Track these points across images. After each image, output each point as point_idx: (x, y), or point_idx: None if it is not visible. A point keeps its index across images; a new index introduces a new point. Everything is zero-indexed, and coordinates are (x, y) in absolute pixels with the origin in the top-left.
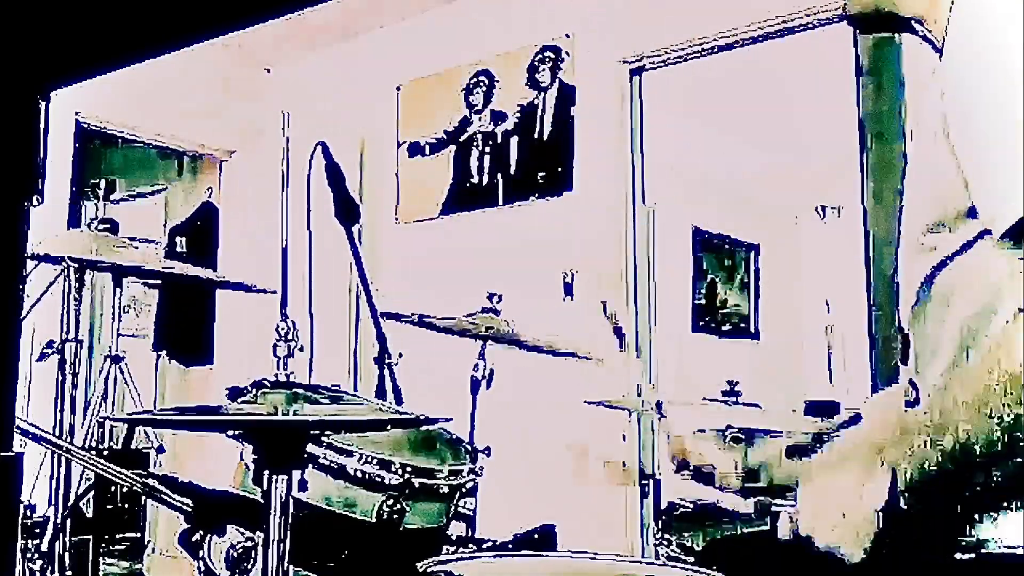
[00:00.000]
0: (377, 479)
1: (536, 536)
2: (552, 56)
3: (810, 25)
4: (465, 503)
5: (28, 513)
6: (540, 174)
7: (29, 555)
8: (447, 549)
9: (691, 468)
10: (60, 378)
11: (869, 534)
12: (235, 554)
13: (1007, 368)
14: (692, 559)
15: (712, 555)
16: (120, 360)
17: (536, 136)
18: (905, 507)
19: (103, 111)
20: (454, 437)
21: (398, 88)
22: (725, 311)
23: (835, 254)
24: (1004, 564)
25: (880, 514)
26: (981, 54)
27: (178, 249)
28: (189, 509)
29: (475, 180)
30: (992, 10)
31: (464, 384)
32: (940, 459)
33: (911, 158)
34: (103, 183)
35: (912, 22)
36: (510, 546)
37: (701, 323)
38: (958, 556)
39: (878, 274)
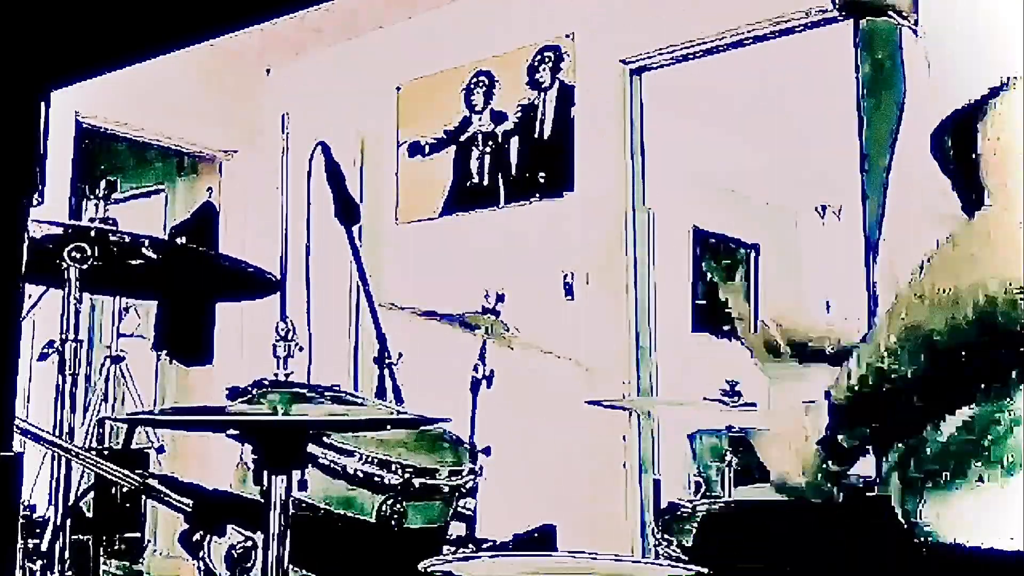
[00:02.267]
0: (377, 479)
1: (536, 536)
2: (552, 56)
3: (810, 25)
4: (465, 503)
5: (28, 513)
6: (540, 174)
7: (29, 555)
8: (447, 549)
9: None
10: (60, 378)
11: (812, 465)
12: (235, 554)
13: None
14: (691, 559)
15: (707, 531)
16: (120, 360)
17: (536, 136)
18: (840, 439)
19: (103, 111)
20: (454, 437)
21: (398, 88)
22: (725, 311)
23: (835, 254)
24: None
25: (819, 446)
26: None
27: None
28: (189, 509)
29: (475, 180)
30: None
31: (464, 384)
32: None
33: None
34: (103, 183)
35: (900, 9)
36: (510, 546)
37: (701, 323)
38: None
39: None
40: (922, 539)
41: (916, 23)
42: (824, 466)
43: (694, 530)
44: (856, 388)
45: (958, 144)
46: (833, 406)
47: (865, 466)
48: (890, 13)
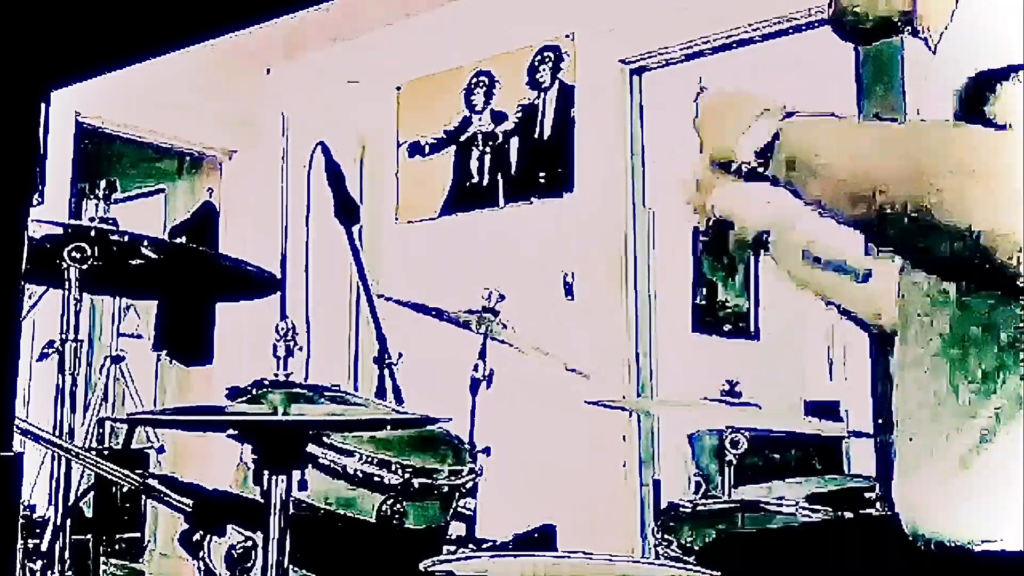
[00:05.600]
0: (377, 479)
1: (536, 536)
2: (552, 56)
3: (810, 25)
4: (465, 503)
5: (28, 513)
6: (540, 174)
7: (29, 555)
8: (447, 549)
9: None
10: (60, 378)
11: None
12: (235, 554)
13: None
14: (692, 559)
15: (713, 554)
16: (120, 360)
17: (536, 136)
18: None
19: (103, 111)
20: (454, 437)
21: (398, 88)
22: (725, 311)
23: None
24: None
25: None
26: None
27: None
28: (189, 509)
29: (475, 180)
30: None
31: (464, 384)
32: None
33: None
34: (103, 183)
35: (902, 22)
36: (510, 546)
37: (701, 323)
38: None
39: None
40: (923, 545)
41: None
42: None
43: (704, 544)
44: None
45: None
46: None
47: (865, 465)
48: (901, 29)
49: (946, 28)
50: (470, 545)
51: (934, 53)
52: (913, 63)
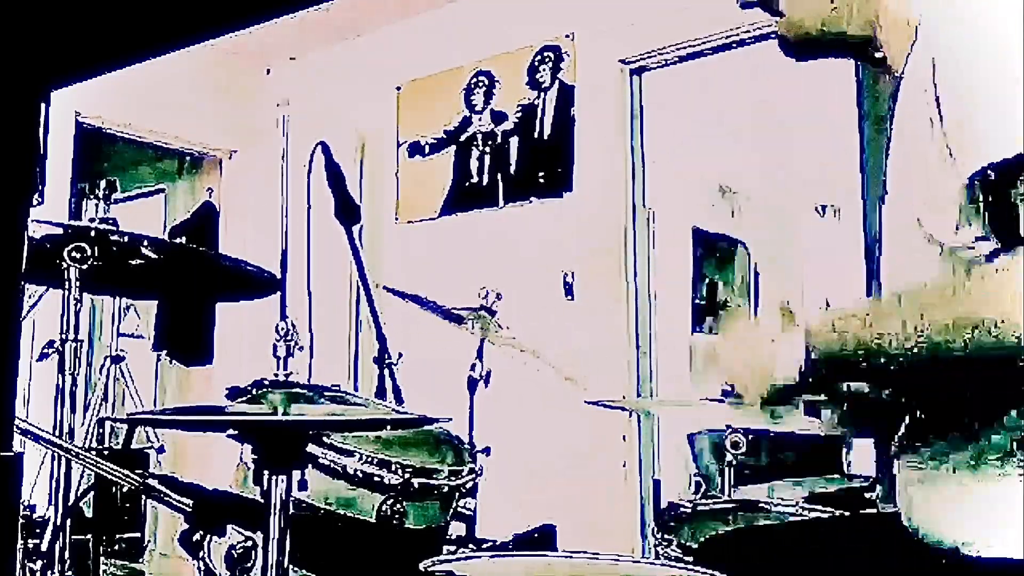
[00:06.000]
0: (377, 479)
1: (536, 536)
2: (552, 56)
3: None
4: (465, 503)
5: (28, 513)
6: (540, 174)
7: (29, 555)
8: (447, 549)
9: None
10: (60, 378)
11: (768, 384)
12: (235, 554)
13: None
14: (692, 559)
15: (709, 552)
16: (120, 360)
17: (536, 136)
18: (812, 374)
19: (103, 111)
20: (454, 437)
21: (398, 88)
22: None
23: (835, 254)
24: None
25: (785, 369)
26: (975, 48)
27: None
28: (189, 509)
29: (475, 180)
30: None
31: (463, 384)
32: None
33: (894, 153)
34: (103, 183)
35: (861, 46)
36: (510, 546)
37: (701, 323)
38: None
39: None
40: (926, 544)
41: (885, 66)
42: (786, 392)
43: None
44: (846, 351)
45: (994, 193)
46: (813, 354)
47: (865, 465)
48: (865, 48)
49: (909, 54)
50: (470, 545)
51: (897, 81)
52: (912, 60)
